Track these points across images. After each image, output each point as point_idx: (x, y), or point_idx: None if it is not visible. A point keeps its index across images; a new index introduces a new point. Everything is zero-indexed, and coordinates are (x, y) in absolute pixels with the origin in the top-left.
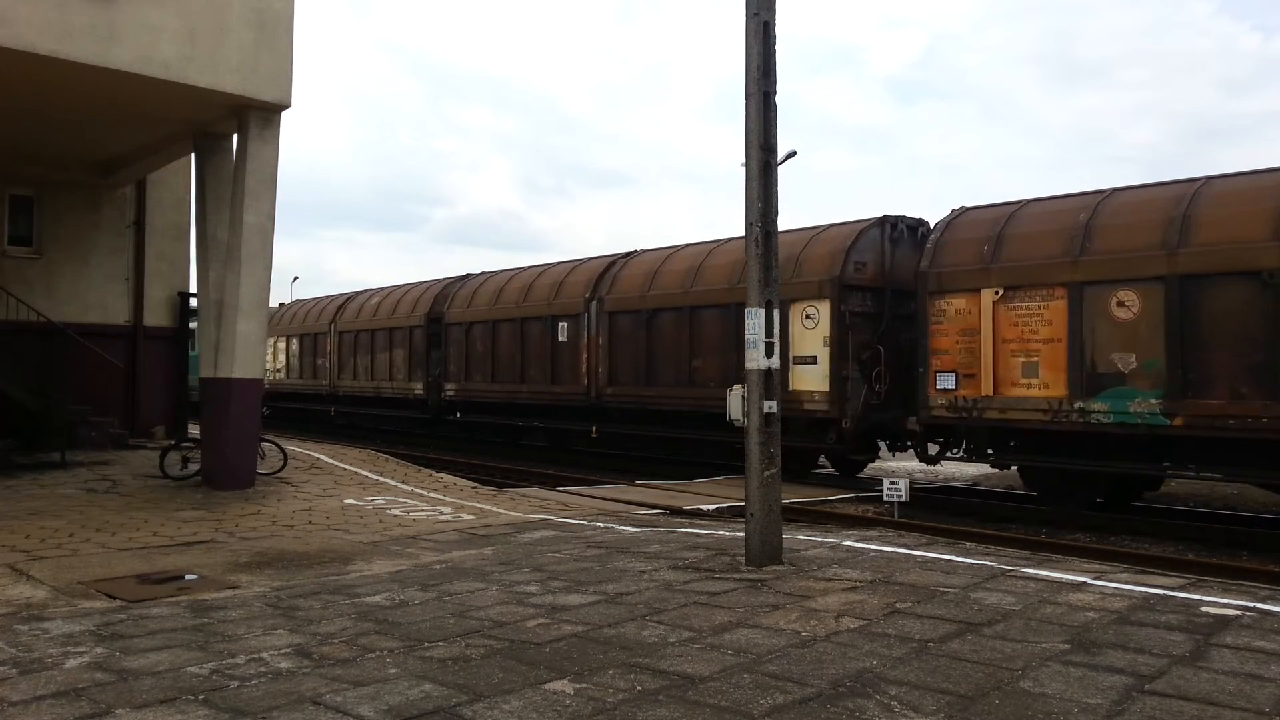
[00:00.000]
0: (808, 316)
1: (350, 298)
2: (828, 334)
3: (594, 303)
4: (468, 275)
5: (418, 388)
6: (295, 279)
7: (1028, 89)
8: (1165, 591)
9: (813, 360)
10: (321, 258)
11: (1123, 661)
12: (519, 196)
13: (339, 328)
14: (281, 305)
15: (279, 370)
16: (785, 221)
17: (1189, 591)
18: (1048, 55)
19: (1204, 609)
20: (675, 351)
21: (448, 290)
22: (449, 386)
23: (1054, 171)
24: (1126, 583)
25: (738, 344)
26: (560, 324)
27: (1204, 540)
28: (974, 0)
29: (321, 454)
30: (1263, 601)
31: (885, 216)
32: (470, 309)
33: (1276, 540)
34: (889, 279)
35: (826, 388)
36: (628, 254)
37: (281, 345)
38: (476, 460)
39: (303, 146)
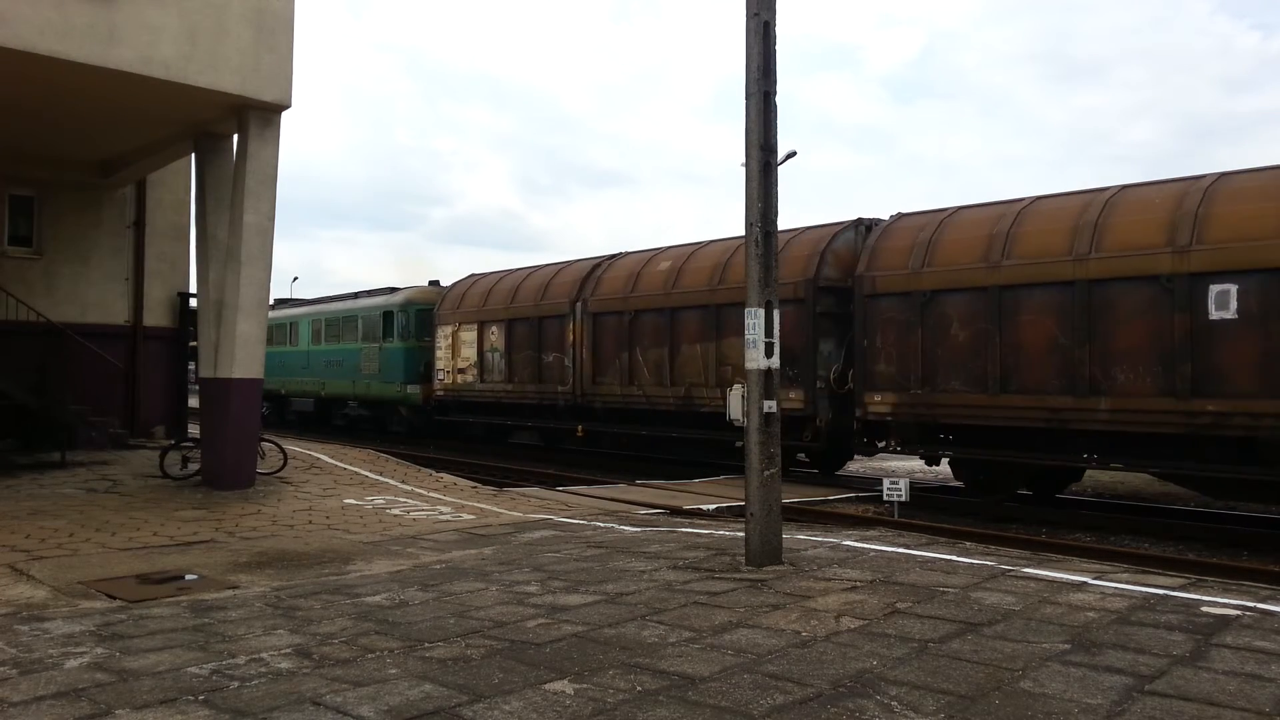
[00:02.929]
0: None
1: (607, 263)
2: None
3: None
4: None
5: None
6: (295, 279)
7: (1026, 88)
8: (1165, 591)
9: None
10: (320, 258)
11: (1123, 661)
12: (517, 196)
13: (591, 306)
14: (442, 284)
15: (462, 371)
16: (785, 221)
17: (1189, 591)
18: (1046, 54)
19: (1204, 609)
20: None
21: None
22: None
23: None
24: (1127, 582)
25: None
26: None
27: (1204, 540)
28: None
29: (322, 454)
30: (1263, 601)
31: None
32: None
33: (1277, 540)
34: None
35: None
36: (612, 256)
37: (467, 336)
38: (476, 460)
39: (300, 146)
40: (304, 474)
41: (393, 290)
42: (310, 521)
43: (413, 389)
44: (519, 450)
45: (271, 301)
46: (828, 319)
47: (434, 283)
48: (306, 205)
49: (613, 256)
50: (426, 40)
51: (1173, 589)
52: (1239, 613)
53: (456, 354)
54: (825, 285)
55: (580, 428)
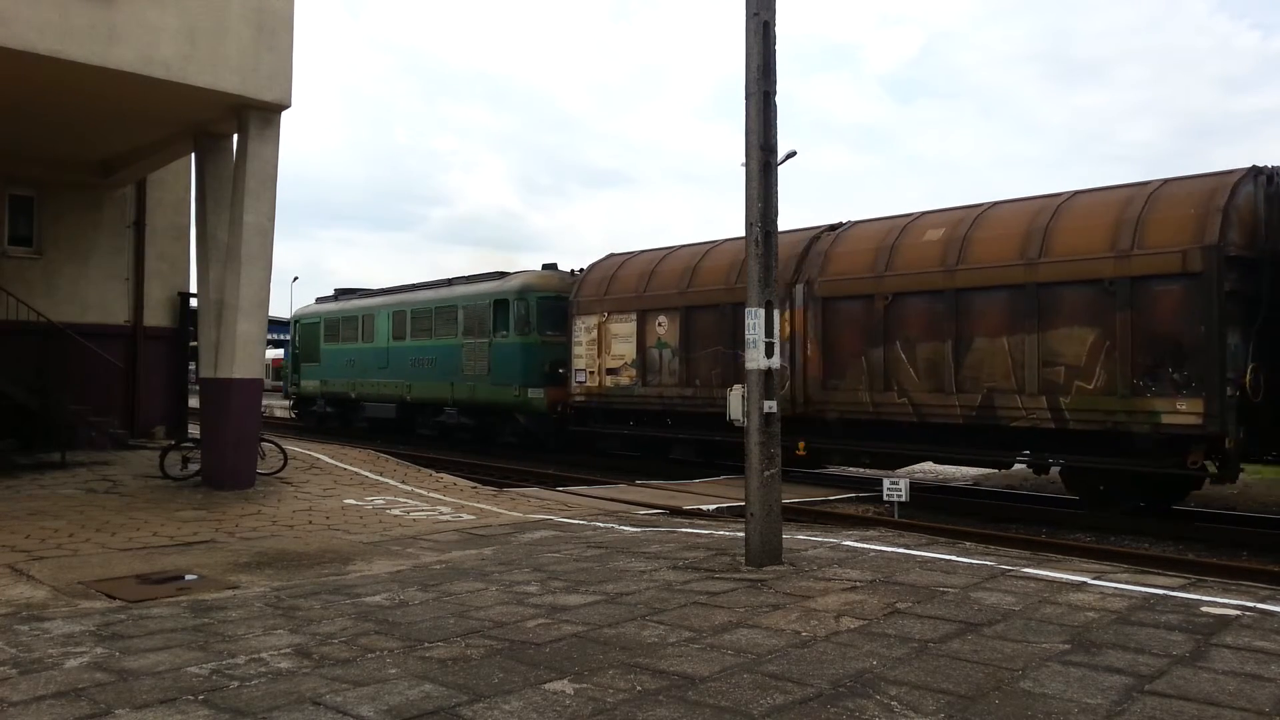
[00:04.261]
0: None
1: (831, 234)
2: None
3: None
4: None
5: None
6: (295, 279)
7: (1025, 87)
8: (1165, 591)
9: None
10: (319, 258)
11: (1123, 661)
12: (517, 195)
13: (820, 289)
14: (560, 268)
15: (613, 372)
16: (784, 222)
17: (1189, 591)
18: (1045, 53)
19: (1204, 609)
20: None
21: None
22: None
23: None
24: (1126, 583)
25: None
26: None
27: (1204, 540)
28: None
29: (322, 454)
30: (1263, 601)
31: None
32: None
33: (1276, 540)
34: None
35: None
36: (834, 226)
37: (620, 328)
38: (476, 460)
39: (299, 146)
40: (304, 474)
41: (501, 275)
42: (310, 522)
43: (534, 393)
44: (517, 451)
45: (332, 292)
46: (1236, 301)
47: (550, 266)
48: (306, 205)
49: (835, 227)
50: (425, 39)
51: (1172, 589)
52: (1239, 613)
53: (604, 350)
54: (1233, 255)
55: (801, 444)
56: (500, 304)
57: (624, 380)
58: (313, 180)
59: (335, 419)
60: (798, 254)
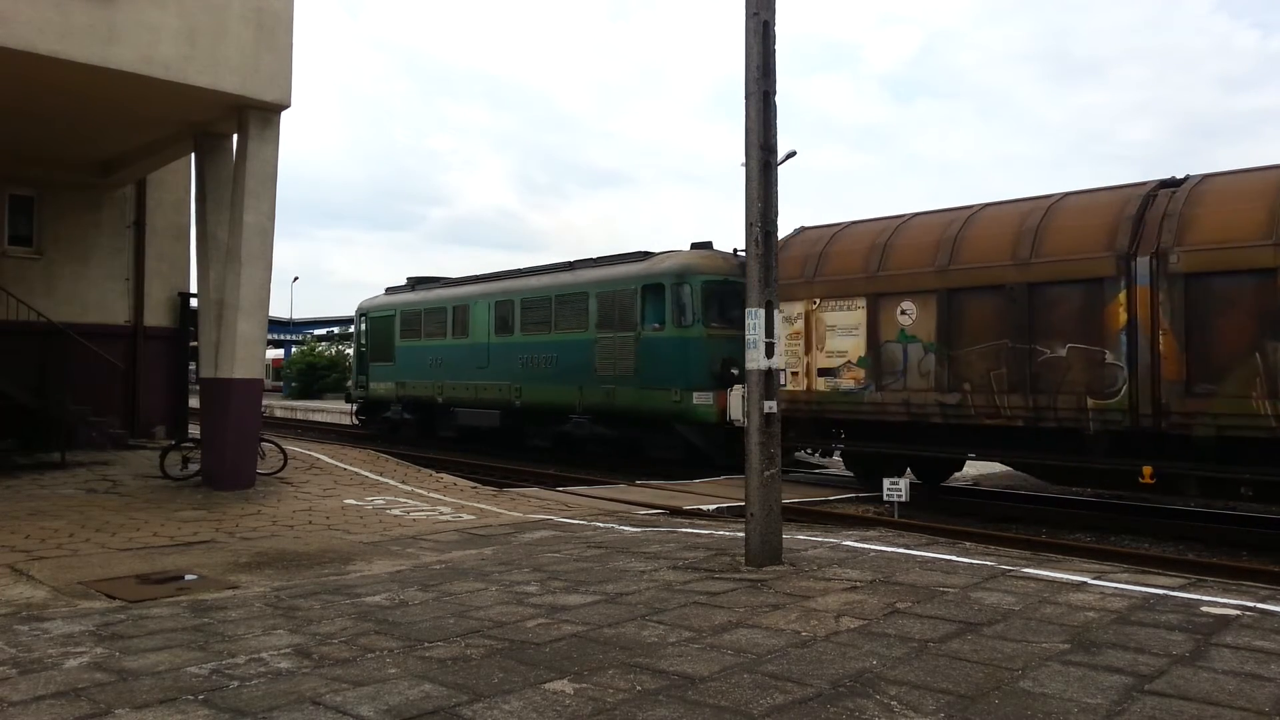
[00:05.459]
0: None
1: (1175, 192)
2: None
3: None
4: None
5: None
6: (295, 279)
7: (1025, 87)
8: (1165, 591)
9: None
10: (319, 258)
11: (1123, 661)
12: (516, 195)
13: (1180, 263)
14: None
15: (830, 373)
16: (784, 223)
17: (1189, 591)
18: (1044, 53)
19: (1204, 609)
20: None
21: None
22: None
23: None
24: (1126, 582)
25: None
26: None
27: (1204, 540)
28: None
29: (322, 454)
30: (1263, 601)
31: None
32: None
33: (1276, 540)
34: None
35: None
36: (1168, 183)
37: (840, 318)
38: (476, 460)
39: (298, 145)
40: (304, 474)
41: (644, 255)
42: (310, 522)
43: (700, 398)
44: (519, 450)
45: (405, 281)
46: None
47: (701, 245)
48: (305, 205)
49: (1171, 182)
50: (423, 39)
51: (1172, 589)
52: (1239, 612)
53: (814, 345)
54: None
55: (1147, 469)
56: (652, 290)
57: (846, 383)
58: (312, 180)
59: (414, 427)
60: (1128, 217)
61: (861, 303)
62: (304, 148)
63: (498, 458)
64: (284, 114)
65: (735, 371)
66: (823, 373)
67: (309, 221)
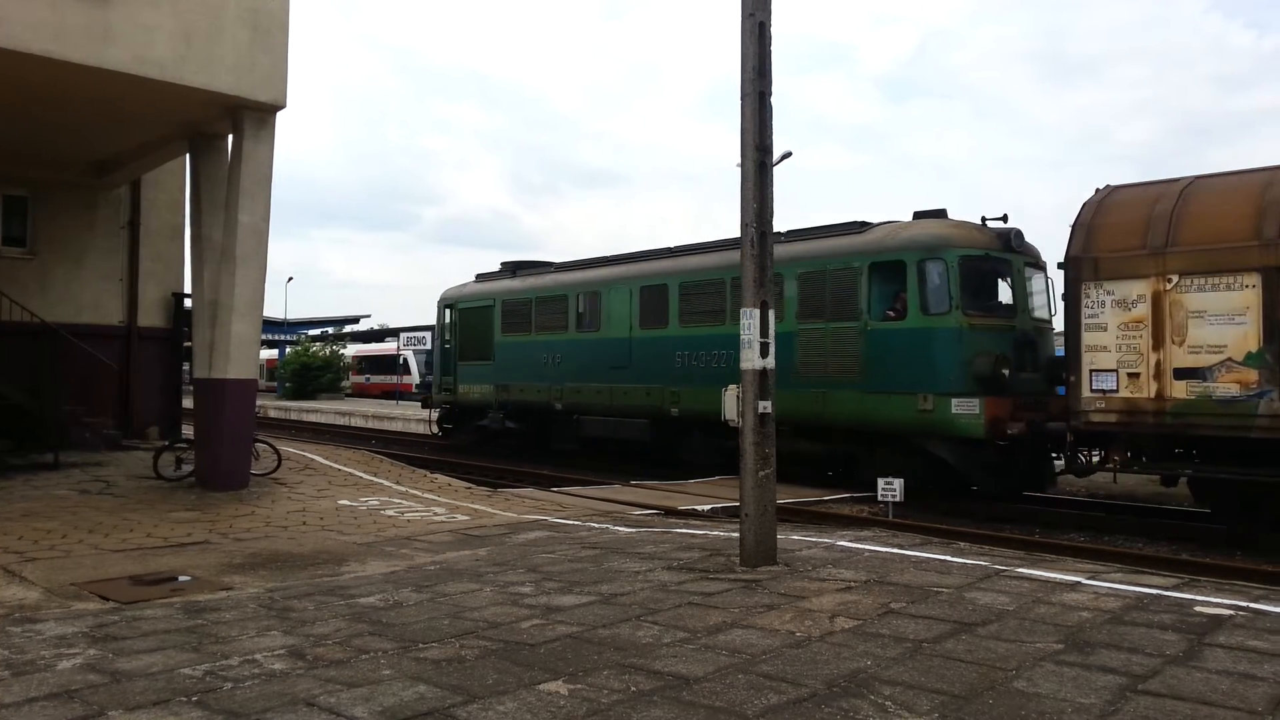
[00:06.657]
0: None
1: None
2: None
3: None
4: None
5: None
6: (290, 279)
7: (1020, 86)
8: (1159, 591)
9: None
10: (314, 258)
11: (1116, 661)
12: (510, 195)
13: None
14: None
15: (1195, 375)
16: (780, 223)
17: (1182, 591)
18: (1040, 53)
19: (1197, 608)
20: None
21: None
22: None
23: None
24: (1120, 582)
25: None
26: None
27: (1198, 540)
28: None
29: (316, 455)
30: (1256, 601)
31: None
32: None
33: (1270, 541)
34: None
35: None
36: None
37: (1206, 301)
38: (470, 460)
39: (291, 145)
40: (298, 475)
41: (862, 226)
42: (304, 523)
43: (961, 406)
44: (513, 450)
45: (498, 267)
46: None
47: (928, 213)
48: (299, 205)
49: None
50: (416, 39)
51: (1166, 589)
52: (1232, 612)
53: (1172, 338)
54: None
55: None
56: (885, 269)
57: (1224, 388)
58: (305, 180)
59: (519, 437)
60: None
61: (1253, 279)
62: (298, 147)
63: (492, 458)
64: (279, 114)
65: (1005, 373)
66: (1183, 374)
67: (303, 221)
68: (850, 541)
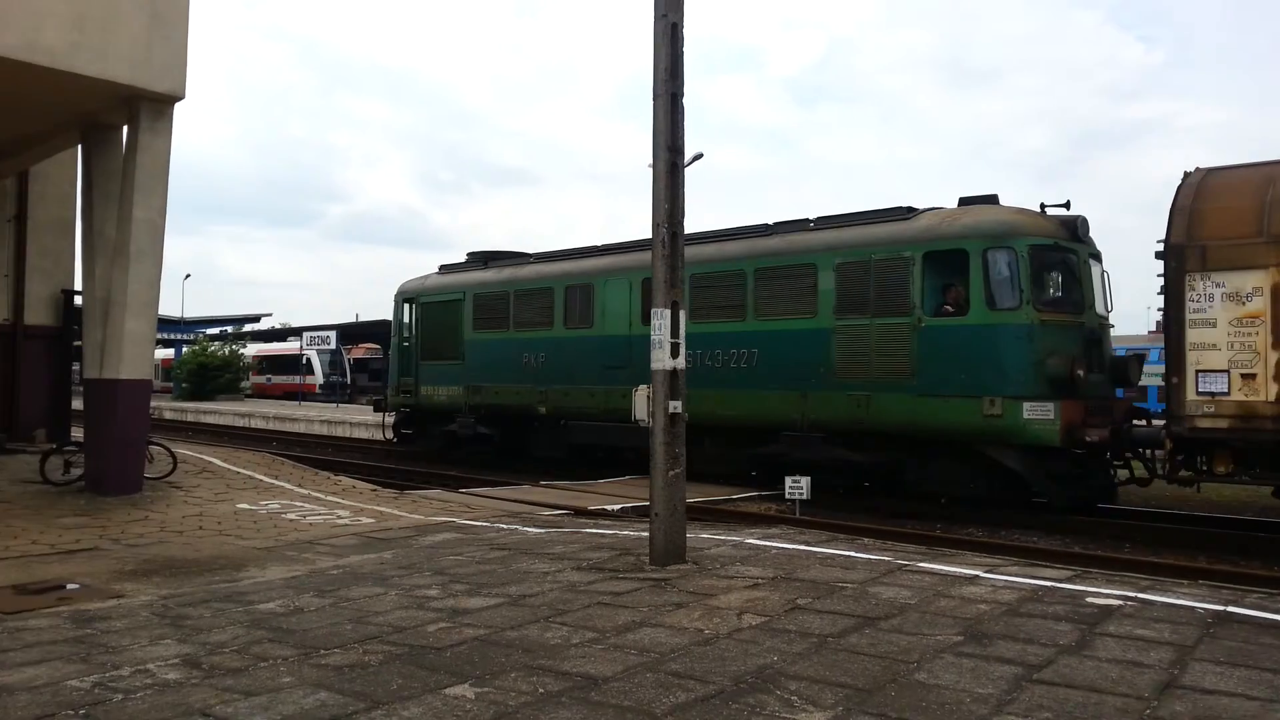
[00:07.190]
0: None
1: None
2: None
3: None
4: None
5: None
6: (187, 276)
7: (923, 93)
8: (1053, 583)
9: None
10: (213, 254)
11: (1012, 652)
12: (418, 193)
13: None
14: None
15: None
16: (690, 224)
17: (1075, 583)
18: (943, 61)
19: (1089, 599)
20: None
21: None
22: None
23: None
24: (1017, 575)
25: None
26: None
27: (1090, 533)
28: (869, 4)
29: (214, 457)
30: (1143, 591)
31: None
32: None
33: (1157, 533)
34: None
35: None
36: None
37: None
38: (375, 462)
39: (190, 138)
40: (195, 479)
41: (908, 211)
42: (201, 527)
43: (1033, 411)
44: (421, 452)
45: (464, 258)
46: None
47: (975, 199)
48: (197, 199)
49: None
50: (323, 30)
51: (1060, 581)
52: (1121, 602)
53: None
54: None
55: None
56: (941, 258)
57: None
58: (204, 174)
59: (490, 443)
60: None
61: None
62: (196, 140)
63: (399, 460)
64: (177, 105)
65: (1081, 374)
66: None
67: (202, 217)
68: (758, 539)
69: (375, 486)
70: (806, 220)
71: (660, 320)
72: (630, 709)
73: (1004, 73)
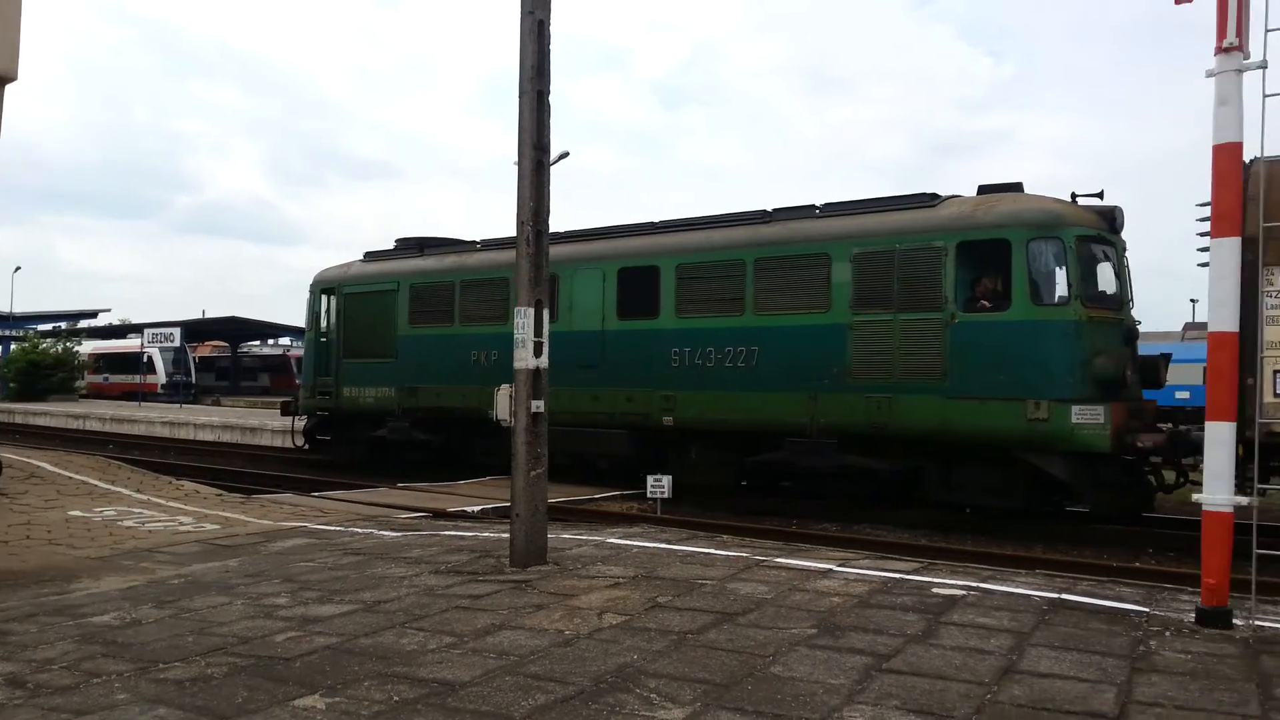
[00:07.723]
0: None
1: None
2: None
3: None
4: None
5: None
6: (17, 269)
7: (784, 99)
8: (902, 575)
9: None
10: (46, 246)
11: (863, 643)
12: (269, 184)
13: None
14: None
15: None
16: (555, 224)
17: (922, 575)
18: (803, 68)
19: (935, 590)
20: None
21: None
22: None
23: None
24: (868, 568)
25: None
26: None
27: (936, 526)
28: (733, 9)
29: (43, 461)
30: (984, 582)
31: None
32: None
33: (997, 525)
34: None
35: None
36: None
37: None
38: (221, 466)
39: (20, 122)
40: (22, 484)
41: (931, 198)
42: (28, 536)
43: (1082, 415)
44: (270, 456)
45: (393, 244)
46: None
47: (995, 187)
48: (28, 188)
49: None
50: (169, 12)
51: (908, 573)
52: (964, 592)
53: None
54: None
55: None
56: (977, 249)
57: None
58: (36, 161)
59: (425, 449)
60: None
61: None
62: (27, 125)
63: (247, 463)
64: (8, 87)
65: (1128, 374)
66: None
67: (34, 206)
68: (620, 539)
69: (221, 491)
70: (812, 206)
71: (524, 319)
72: (489, 713)
73: (861, 82)
